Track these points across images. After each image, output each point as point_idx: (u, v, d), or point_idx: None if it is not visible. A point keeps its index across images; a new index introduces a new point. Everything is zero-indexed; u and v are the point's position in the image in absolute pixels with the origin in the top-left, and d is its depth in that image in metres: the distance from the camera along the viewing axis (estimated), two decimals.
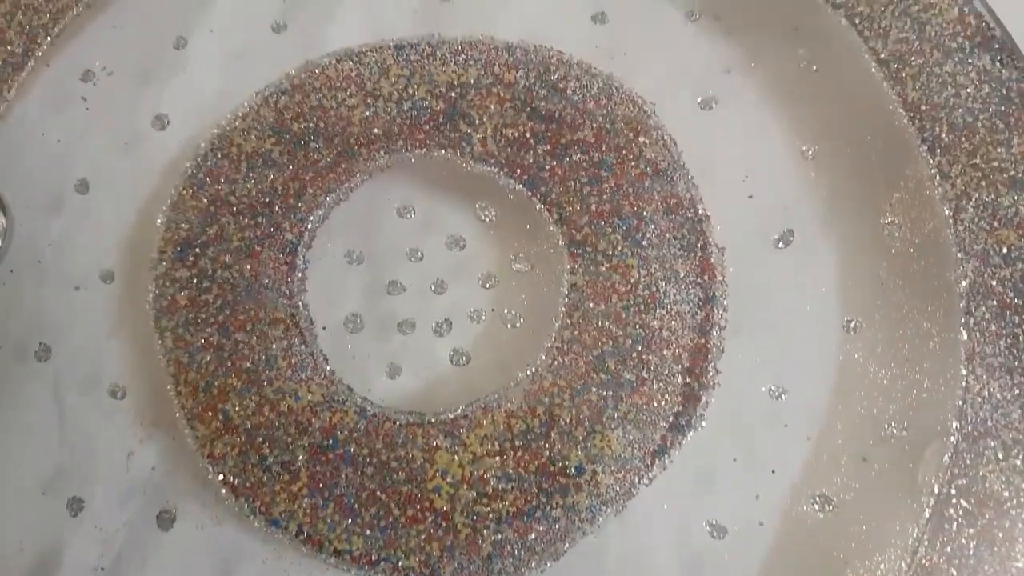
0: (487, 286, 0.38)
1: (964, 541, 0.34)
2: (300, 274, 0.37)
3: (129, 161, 0.40)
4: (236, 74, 0.39)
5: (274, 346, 0.36)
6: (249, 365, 0.36)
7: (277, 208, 0.37)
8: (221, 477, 0.34)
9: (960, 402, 0.35)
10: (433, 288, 0.38)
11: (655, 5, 0.41)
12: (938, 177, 0.37)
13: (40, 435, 0.38)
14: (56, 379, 0.38)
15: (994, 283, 0.36)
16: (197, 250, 0.37)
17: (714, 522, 0.36)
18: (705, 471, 0.37)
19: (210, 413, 0.35)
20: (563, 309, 0.36)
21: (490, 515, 0.34)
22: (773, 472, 0.37)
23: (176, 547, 0.37)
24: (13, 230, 0.41)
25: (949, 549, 0.34)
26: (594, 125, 0.38)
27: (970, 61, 0.37)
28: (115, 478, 0.37)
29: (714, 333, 0.36)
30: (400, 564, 0.34)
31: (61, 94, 0.42)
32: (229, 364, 0.36)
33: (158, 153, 0.39)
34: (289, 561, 0.36)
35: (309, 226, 0.37)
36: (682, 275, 0.37)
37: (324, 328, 0.37)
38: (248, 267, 0.37)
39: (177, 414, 0.35)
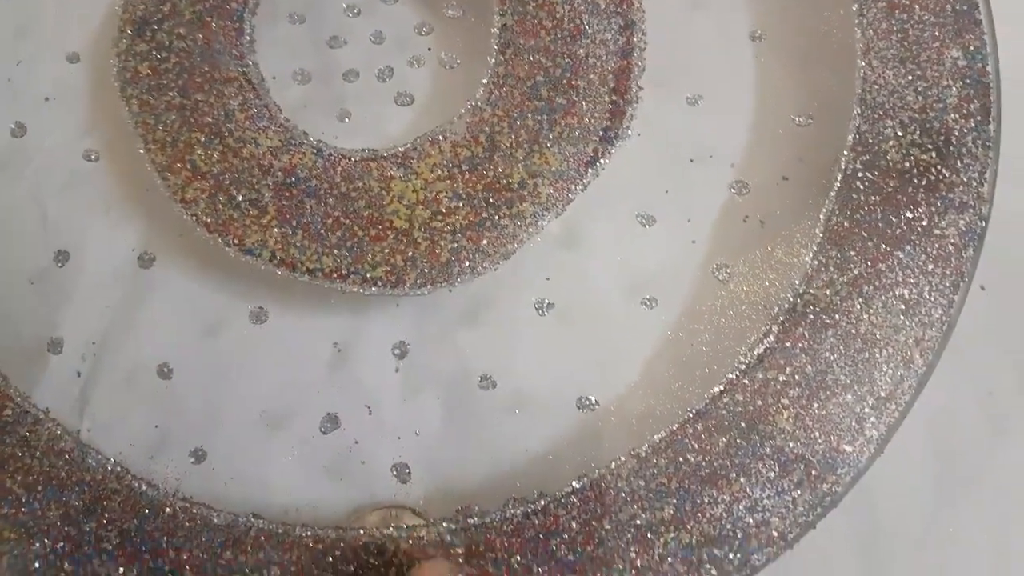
0: (423, 33, 0.41)
1: (871, 208, 0.38)
2: (248, 37, 0.40)
3: None
4: None
5: (231, 102, 0.39)
6: (210, 120, 0.39)
7: None
8: (195, 217, 0.38)
9: (860, 91, 0.39)
10: (372, 39, 0.41)
11: None
12: None
13: (25, 235, 0.41)
14: (36, 182, 0.41)
15: None
16: (154, 26, 0.40)
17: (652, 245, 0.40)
18: (641, 204, 0.40)
19: (179, 164, 0.38)
20: (496, 47, 0.39)
21: (445, 229, 0.38)
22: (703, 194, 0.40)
23: (160, 314, 0.40)
24: None
25: (858, 215, 0.37)
26: None
27: None
28: (99, 262, 0.40)
29: (635, 54, 0.39)
30: (368, 275, 0.37)
31: None
32: (192, 121, 0.39)
33: None
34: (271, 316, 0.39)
35: None
36: (603, 6, 0.40)
37: (274, 78, 0.40)
38: (200, 36, 0.40)
39: (149, 168, 0.38)
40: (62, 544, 0.35)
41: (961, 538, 0.36)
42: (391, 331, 0.39)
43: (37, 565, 0.35)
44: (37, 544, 0.35)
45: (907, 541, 0.36)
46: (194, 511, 0.35)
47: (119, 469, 0.36)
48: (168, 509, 0.35)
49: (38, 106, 0.42)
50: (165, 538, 0.35)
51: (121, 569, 0.34)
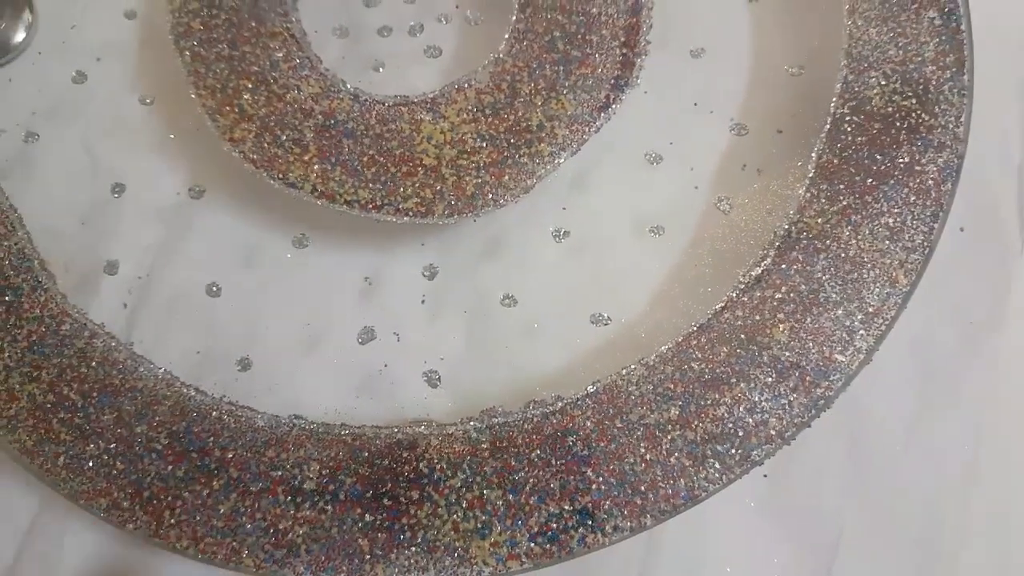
0: None
1: (857, 147, 0.41)
2: None
3: None
4: None
5: (276, 54, 0.43)
6: (256, 69, 0.42)
7: None
8: (242, 154, 0.41)
9: (846, 46, 0.43)
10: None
11: None
12: None
13: (74, 179, 0.44)
14: (86, 132, 0.45)
15: None
16: None
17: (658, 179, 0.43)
18: (648, 152, 0.44)
19: (228, 107, 0.42)
20: (517, 6, 0.43)
21: (470, 166, 0.41)
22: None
23: (207, 242, 0.43)
24: (37, 23, 0.47)
25: (846, 154, 0.41)
26: None
27: None
28: (152, 195, 0.44)
29: (643, 12, 0.43)
30: (401, 206, 0.41)
31: None
32: (240, 70, 0.42)
33: None
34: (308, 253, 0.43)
35: None
36: None
37: (316, 32, 0.44)
38: None
39: (199, 111, 0.42)
40: (114, 445, 0.38)
41: (938, 436, 0.39)
42: (417, 266, 0.43)
43: (91, 464, 0.37)
44: (91, 445, 0.38)
45: (892, 438, 0.39)
46: (239, 414, 0.38)
47: (169, 376, 0.39)
48: (215, 413, 0.38)
49: (93, 63, 0.46)
50: (212, 439, 0.38)
51: (170, 467, 0.37)
